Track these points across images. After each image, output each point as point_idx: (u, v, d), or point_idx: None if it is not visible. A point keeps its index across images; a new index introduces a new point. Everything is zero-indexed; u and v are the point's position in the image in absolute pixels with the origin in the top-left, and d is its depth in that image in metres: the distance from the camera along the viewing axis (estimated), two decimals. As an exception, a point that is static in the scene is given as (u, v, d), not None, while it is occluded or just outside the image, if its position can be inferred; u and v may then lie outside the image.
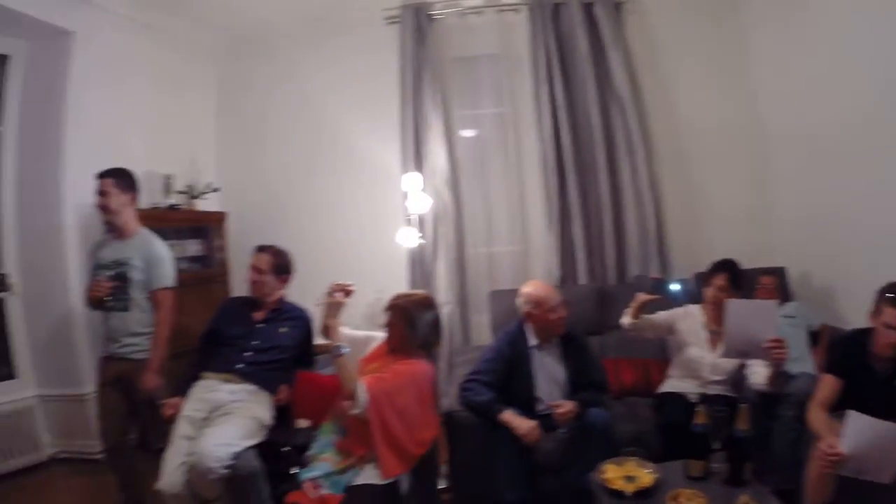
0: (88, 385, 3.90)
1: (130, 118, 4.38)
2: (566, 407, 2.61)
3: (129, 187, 3.13)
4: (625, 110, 4.00)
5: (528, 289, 2.91)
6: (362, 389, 2.30)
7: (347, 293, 2.52)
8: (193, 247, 4.43)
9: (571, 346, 2.89)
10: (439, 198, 4.14)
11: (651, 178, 3.99)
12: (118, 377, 3.02)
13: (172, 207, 4.35)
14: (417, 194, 3.98)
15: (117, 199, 3.05)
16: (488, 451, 2.61)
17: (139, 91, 4.45)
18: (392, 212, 4.32)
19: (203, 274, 4.42)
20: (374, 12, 4.32)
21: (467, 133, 4.44)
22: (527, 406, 2.73)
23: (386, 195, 4.42)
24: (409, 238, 4.02)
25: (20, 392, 3.97)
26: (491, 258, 4.27)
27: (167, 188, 4.37)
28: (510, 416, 2.61)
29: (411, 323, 2.53)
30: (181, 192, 4.49)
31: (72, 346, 4.01)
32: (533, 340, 2.88)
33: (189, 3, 4.35)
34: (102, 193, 3.05)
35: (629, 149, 4.00)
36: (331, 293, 2.50)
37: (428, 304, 2.64)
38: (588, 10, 4.04)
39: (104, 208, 3.06)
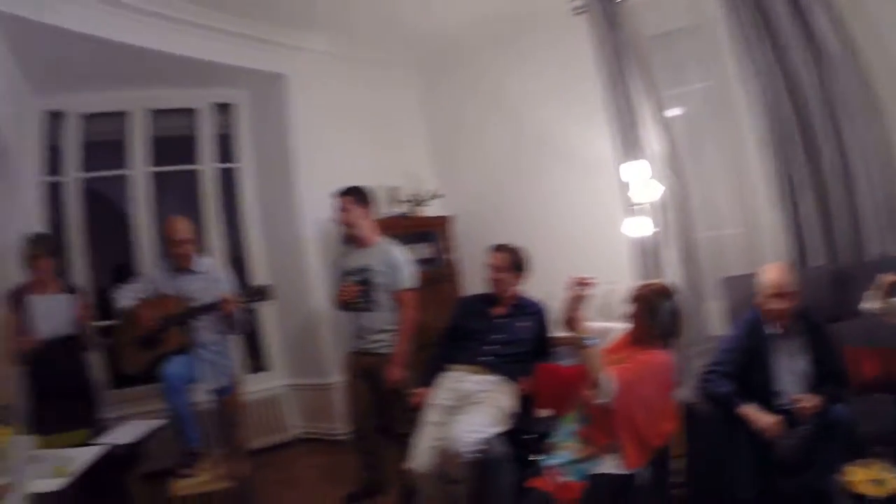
0: (332, 376, 4.43)
1: (350, 139, 4.89)
2: (810, 402, 2.44)
3: (365, 202, 3.48)
4: (836, 68, 3.55)
5: (762, 273, 2.75)
6: (608, 380, 2.35)
7: (588, 286, 2.57)
8: (423, 250, 4.83)
9: (813, 335, 2.68)
10: (660, 183, 3.97)
11: (880, 139, 3.53)
12: (366, 370, 3.37)
13: (402, 216, 4.80)
14: (642, 182, 3.90)
15: (355, 213, 3.41)
16: (725, 446, 2.54)
17: (354, 115, 4.96)
18: (611, 201, 4.23)
19: (432, 274, 4.75)
20: (560, 4, 4.30)
21: (676, 112, 4.20)
22: (765, 399, 2.60)
23: (602, 185, 4.33)
24: (639, 228, 3.95)
25: (272, 382, 4.66)
26: (718, 241, 4.05)
27: (393, 199, 4.83)
28: (750, 410, 2.51)
29: (652, 312, 2.54)
30: (407, 202, 4.92)
31: (317, 342, 4.57)
32: (771, 328, 2.72)
33: (381, 32, 4.78)
34: (342, 210, 3.42)
35: (849, 110, 3.55)
36: (572, 287, 2.56)
37: (667, 293, 2.63)
38: (778, -38, 3.66)
39: (345, 223, 3.44)
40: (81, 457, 2.48)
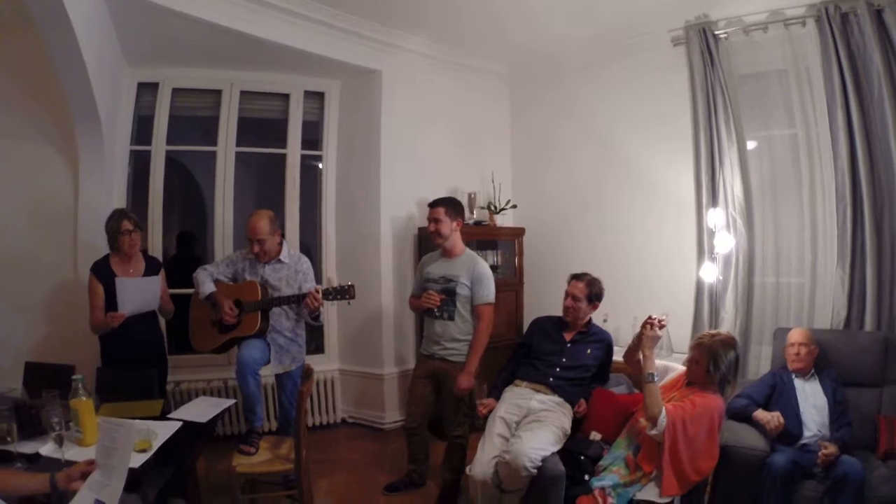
0: (385, 367, 4.93)
1: (434, 141, 5.26)
2: (829, 449, 2.92)
3: (458, 214, 3.76)
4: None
5: (790, 334, 3.49)
6: (663, 415, 2.73)
7: (661, 326, 2.97)
8: (490, 258, 5.14)
9: (826, 378, 3.33)
10: (732, 226, 4.25)
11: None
12: (433, 373, 3.74)
13: (477, 224, 5.14)
14: (718, 231, 4.18)
15: (447, 224, 3.69)
16: (752, 491, 2.95)
17: (441, 117, 5.31)
18: (681, 235, 4.53)
19: (499, 283, 4.92)
20: (659, 34, 4.56)
21: (758, 154, 4.35)
22: (794, 429, 3.15)
23: (678, 224, 4.58)
24: (709, 274, 4.26)
25: (326, 365, 5.08)
26: (777, 288, 4.24)
27: (470, 205, 5.13)
28: (762, 415, 3.14)
29: (715, 361, 2.86)
30: (483, 209, 5.27)
31: (377, 335, 4.99)
32: (795, 373, 3.38)
33: (477, 39, 5.08)
34: (435, 220, 3.70)
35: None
36: (650, 325, 2.94)
37: (732, 344, 2.94)
38: (879, 18, 3.77)
39: (437, 234, 3.71)
40: (162, 432, 2.60)
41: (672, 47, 4.57)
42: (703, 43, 4.35)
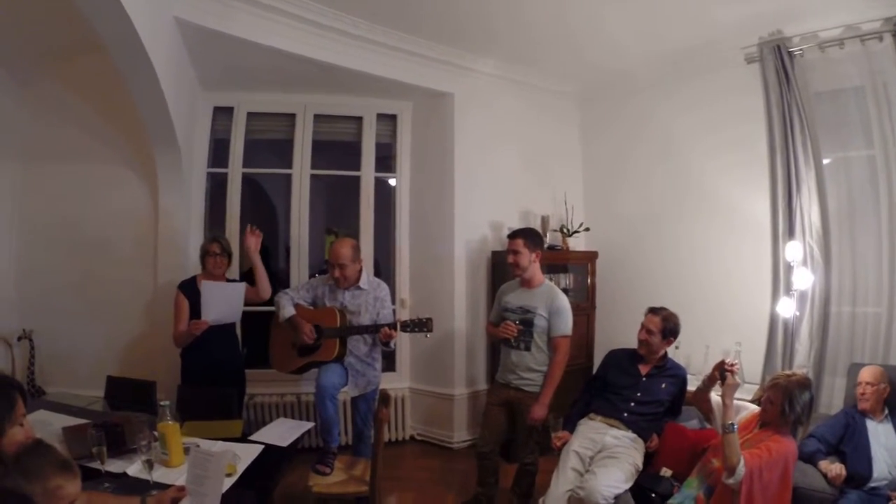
0: (455, 388, 5.09)
1: (506, 163, 5.38)
2: None
3: (536, 245, 3.87)
4: None
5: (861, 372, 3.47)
6: (742, 465, 2.76)
7: (733, 372, 3.00)
8: (562, 281, 5.15)
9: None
10: (809, 257, 4.22)
11: None
12: (508, 401, 3.88)
13: (551, 248, 5.21)
14: (797, 266, 4.20)
15: (527, 256, 3.80)
16: None
17: (512, 138, 5.43)
18: (756, 263, 4.51)
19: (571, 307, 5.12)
20: (733, 52, 4.57)
21: (835, 177, 4.28)
22: (863, 470, 3.17)
23: (750, 244, 4.59)
24: (786, 309, 4.27)
25: (397, 383, 5.29)
26: (853, 318, 4.17)
27: (543, 228, 5.22)
28: (824, 465, 3.20)
29: (790, 402, 2.89)
30: (555, 231, 5.37)
31: (448, 355, 5.15)
32: (866, 413, 3.37)
33: (548, 60, 5.16)
34: (514, 252, 3.81)
35: None
36: (730, 373, 2.98)
37: (807, 385, 2.98)
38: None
39: (515, 265, 3.83)
40: (245, 455, 2.69)
41: (746, 65, 4.57)
42: (778, 60, 4.32)
